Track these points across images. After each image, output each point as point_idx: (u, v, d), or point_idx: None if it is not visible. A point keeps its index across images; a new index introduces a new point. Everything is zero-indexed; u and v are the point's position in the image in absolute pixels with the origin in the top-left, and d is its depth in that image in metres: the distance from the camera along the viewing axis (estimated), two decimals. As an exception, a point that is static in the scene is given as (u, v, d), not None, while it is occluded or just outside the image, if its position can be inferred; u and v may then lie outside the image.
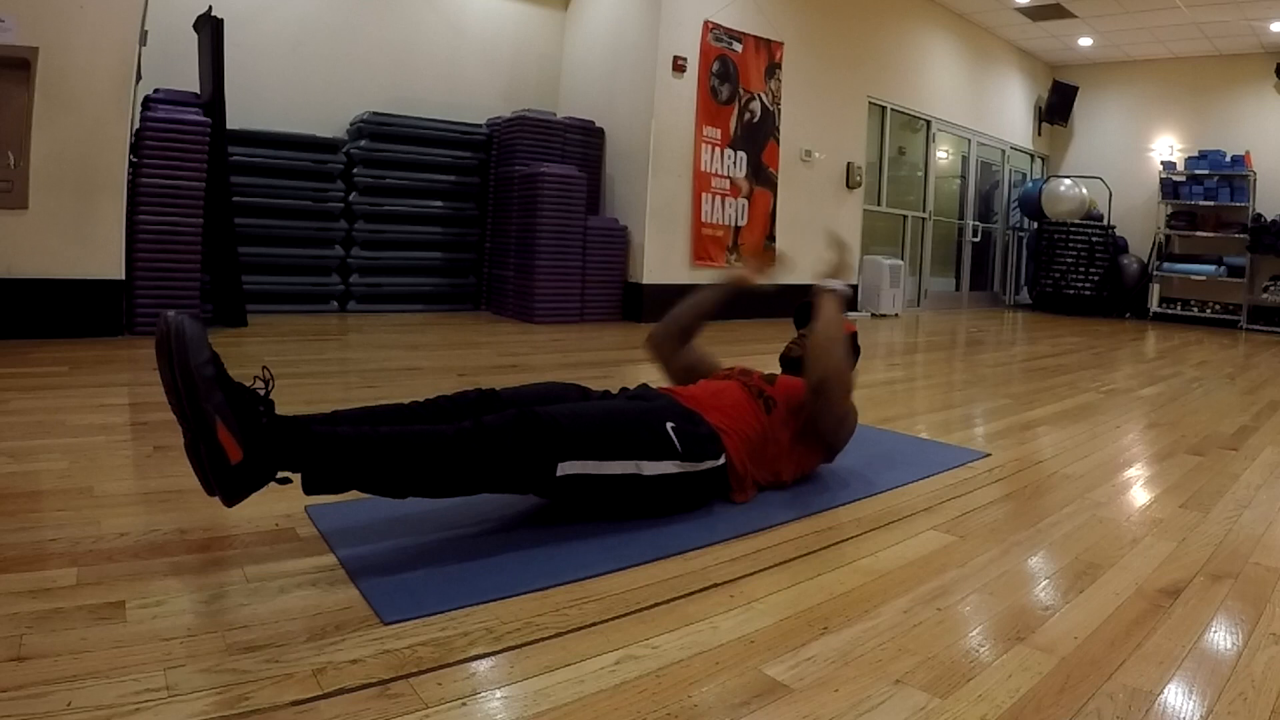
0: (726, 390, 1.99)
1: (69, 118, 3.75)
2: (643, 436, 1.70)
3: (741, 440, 1.89)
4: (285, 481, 1.42)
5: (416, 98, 5.94)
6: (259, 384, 1.44)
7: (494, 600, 1.35)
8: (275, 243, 5.14)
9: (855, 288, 7.66)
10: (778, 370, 2.22)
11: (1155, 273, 9.25)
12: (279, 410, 1.45)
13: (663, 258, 6.05)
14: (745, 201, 6.52)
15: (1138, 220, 9.57)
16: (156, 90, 4.27)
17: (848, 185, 7.48)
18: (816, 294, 2.09)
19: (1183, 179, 9.10)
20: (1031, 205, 9.72)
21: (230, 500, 1.38)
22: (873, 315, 7.58)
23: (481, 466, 1.52)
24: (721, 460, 1.82)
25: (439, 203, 5.84)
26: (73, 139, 3.76)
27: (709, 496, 1.85)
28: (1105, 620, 1.38)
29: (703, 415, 1.85)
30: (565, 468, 1.59)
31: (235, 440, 1.35)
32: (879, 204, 8.15)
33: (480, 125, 6.08)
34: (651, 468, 1.69)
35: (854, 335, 2.32)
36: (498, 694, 1.09)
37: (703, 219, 6.24)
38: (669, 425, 1.74)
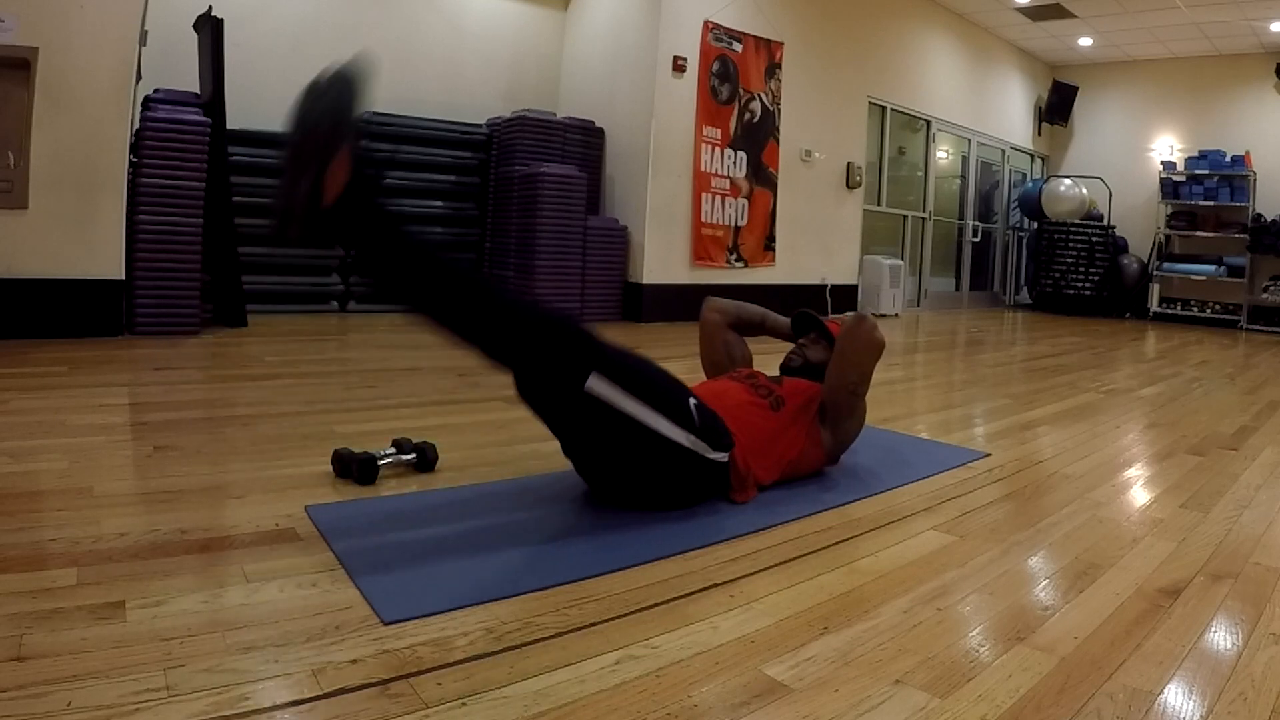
0: (729, 391, 2.00)
1: (69, 118, 3.75)
2: (670, 396, 1.75)
3: (748, 441, 1.90)
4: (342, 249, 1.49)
5: (416, 98, 5.94)
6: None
7: (494, 600, 1.35)
8: (275, 243, 5.13)
9: (855, 288, 7.67)
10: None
11: (1155, 273, 9.24)
12: None
13: (663, 258, 6.05)
14: (745, 201, 6.52)
15: (1138, 220, 9.56)
16: (156, 90, 4.27)
17: (848, 185, 7.48)
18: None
19: (1183, 179, 9.10)
20: (1031, 205, 9.72)
21: (302, 234, 1.39)
22: (872, 315, 7.58)
23: (526, 334, 1.59)
24: (726, 458, 1.83)
25: (439, 203, 5.83)
26: (73, 139, 3.76)
27: (709, 492, 1.86)
28: (1105, 620, 1.38)
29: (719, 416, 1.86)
30: (594, 383, 1.62)
31: (340, 182, 1.38)
32: (879, 204, 8.15)
33: (480, 125, 6.08)
34: (667, 428, 1.71)
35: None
36: (498, 694, 1.09)
37: (703, 219, 6.24)
38: (692, 401, 1.78)
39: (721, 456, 1.82)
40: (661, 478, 1.78)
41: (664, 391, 1.74)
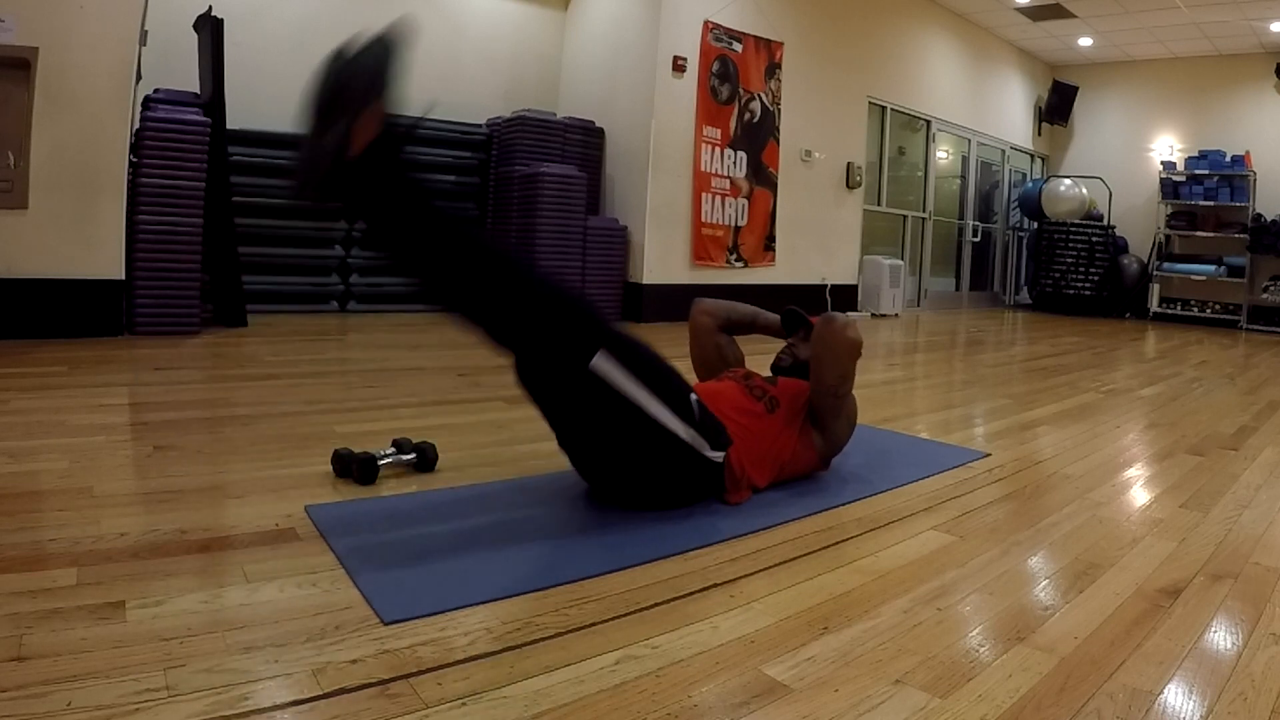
0: (725, 392, 1.99)
1: (69, 118, 3.75)
2: (673, 386, 1.75)
3: (744, 444, 1.89)
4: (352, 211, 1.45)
5: (416, 98, 5.93)
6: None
7: (494, 600, 1.35)
8: (275, 243, 5.13)
9: (855, 288, 7.66)
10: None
11: (1155, 273, 9.24)
12: None
13: (663, 258, 6.05)
14: (745, 201, 6.52)
15: (1138, 220, 9.56)
16: (156, 90, 4.27)
17: (848, 185, 7.48)
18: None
19: (1183, 179, 9.10)
20: (1031, 205, 9.72)
21: (323, 188, 1.36)
22: (873, 315, 7.58)
23: (537, 308, 1.59)
24: (721, 458, 1.82)
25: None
26: (73, 139, 3.76)
27: (702, 492, 1.86)
28: (1105, 620, 1.38)
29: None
30: (600, 362, 1.61)
31: (370, 135, 1.37)
32: (879, 204, 8.15)
33: (480, 125, 6.08)
34: (667, 417, 1.70)
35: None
36: (498, 694, 1.09)
37: (703, 219, 6.23)
38: (693, 397, 1.79)
39: (718, 456, 1.82)
40: (657, 470, 1.77)
41: (667, 381, 1.74)
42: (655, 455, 1.74)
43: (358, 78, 1.38)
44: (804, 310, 2.32)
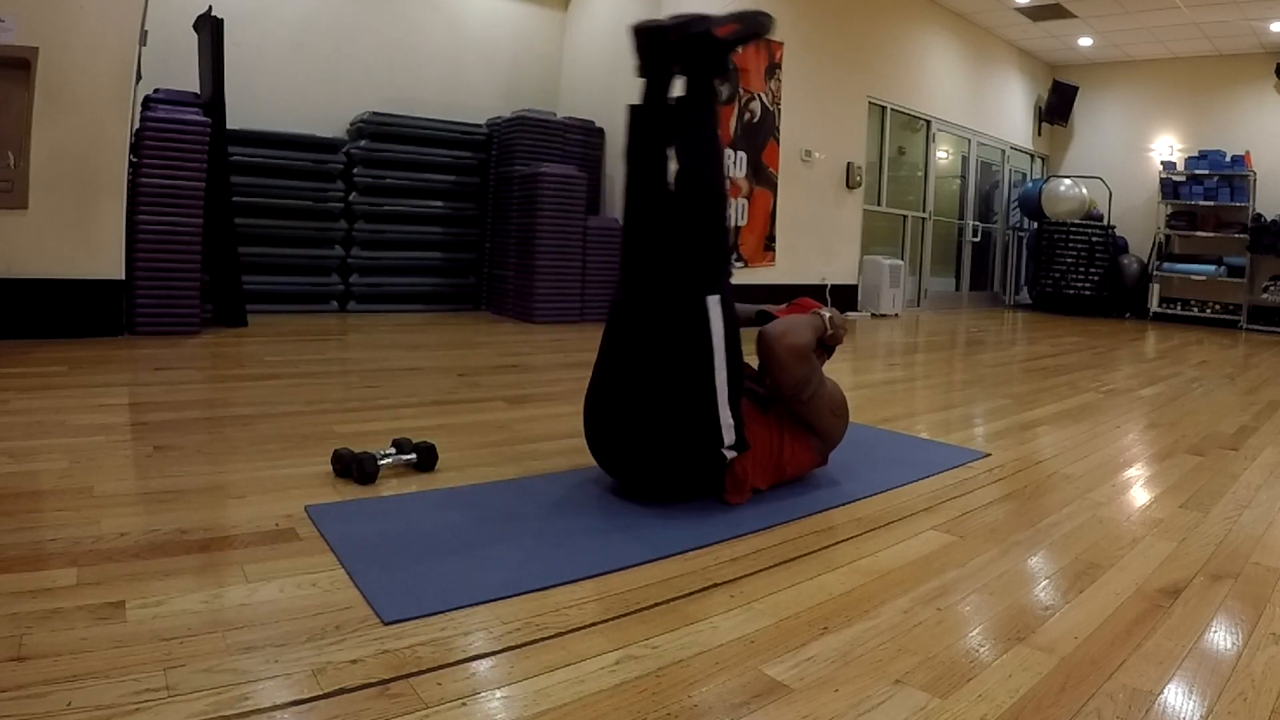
0: None
1: (69, 118, 3.75)
2: (740, 375, 1.85)
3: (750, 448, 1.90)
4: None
5: (416, 98, 5.93)
6: None
7: (494, 600, 1.35)
8: (275, 243, 5.14)
9: (855, 288, 7.66)
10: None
11: (1155, 273, 9.24)
12: None
13: (663, 258, 6.03)
14: (745, 201, 6.52)
15: (1138, 220, 9.56)
16: (156, 90, 4.27)
17: (848, 185, 7.47)
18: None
19: (1183, 179, 9.10)
20: (1031, 205, 9.72)
21: (683, 35, 1.87)
22: (872, 315, 7.58)
23: (711, 222, 1.86)
24: (732, 456, 1.83)
25: (439, 203, 5.83)
26: (73, 139, 3.76)
27: (704, 486, 1.86)
28: (1105, 620, 1.38)
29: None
30: (712, 301, 1.79)
31: (727, 32, 1.90)
32: (879, 204, 8.15)
33: (480, 125, 6.08)
34: (721, 386, 1.79)
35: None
36: (498, 694, 1.09)
37: (703, 219, 6.23)
38: (741, 403, 1.87)
39: (730, 454, 1.83)
40: (677, 432, 1.78)
41: (739, 366, 1.85)
42: (686, 413, 1.77)
43: (739, 14, 1.95)
44: (772, 308, 2.31)
